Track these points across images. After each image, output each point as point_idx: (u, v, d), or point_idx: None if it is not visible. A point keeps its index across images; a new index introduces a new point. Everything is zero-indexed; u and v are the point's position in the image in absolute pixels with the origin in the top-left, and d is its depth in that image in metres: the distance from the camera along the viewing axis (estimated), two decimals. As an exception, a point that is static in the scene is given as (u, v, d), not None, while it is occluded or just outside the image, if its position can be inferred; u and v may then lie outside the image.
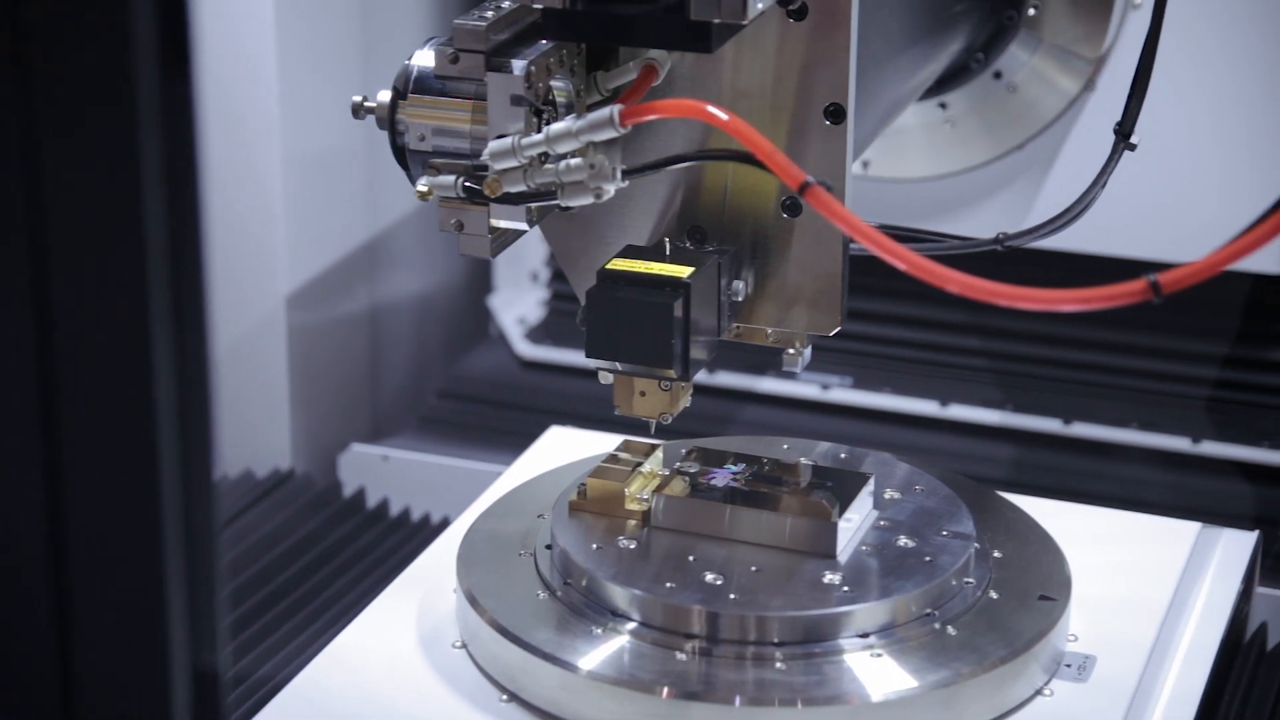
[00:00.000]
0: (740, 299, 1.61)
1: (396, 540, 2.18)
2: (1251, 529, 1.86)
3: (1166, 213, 2.13)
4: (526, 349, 2.49)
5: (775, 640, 1.55)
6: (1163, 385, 2.26)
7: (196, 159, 0.95)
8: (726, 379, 2.38)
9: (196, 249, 0.97)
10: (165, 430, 0.95)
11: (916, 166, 2.16)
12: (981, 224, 2.15)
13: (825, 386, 2.35)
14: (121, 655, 0.99)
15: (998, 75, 2.08)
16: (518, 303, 2.54)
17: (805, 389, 2.35)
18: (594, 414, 2.19)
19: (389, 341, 2.48)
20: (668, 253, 1.57)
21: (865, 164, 2.16)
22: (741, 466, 1.70)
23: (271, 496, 2.24)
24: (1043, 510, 1.78)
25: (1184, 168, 2.12)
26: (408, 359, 2.52)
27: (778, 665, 1.54)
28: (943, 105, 2.11)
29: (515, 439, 2.11)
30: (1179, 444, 2.21)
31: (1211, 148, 2.10)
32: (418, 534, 2.20)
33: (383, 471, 2.32)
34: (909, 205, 2.19)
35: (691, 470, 1.69)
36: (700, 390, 2.38)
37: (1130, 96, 1.72)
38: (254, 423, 2.31)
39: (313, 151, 2.27)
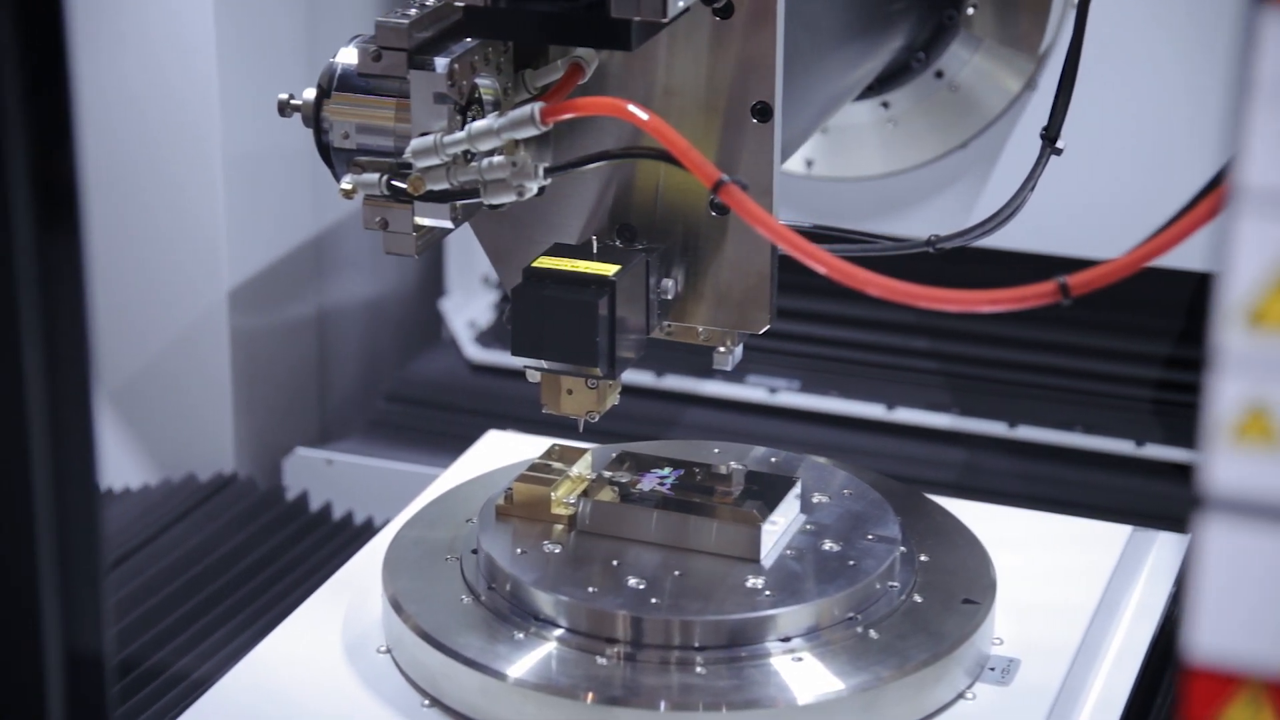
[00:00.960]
0: (670, 297, 1.59)
1: (337, 544, 2.17)
2: (1189, 532, 1.84)
3: (1104, 211, 2.12)
4: (476, 352, 2.47)
5: (698, 645, 1.53)
6: (1108, 387, 2.24)
7: (73, 165, 0.94)
8: (673, 382, 2.36)
9: (73, 245, 0.95)
10: (35, 412, 0.94)
11: (860, 165, 2.15)
12: (925, 222, 2.14)
13: (772, 390, 2.34)
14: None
15: (939, 74, 2.07)
16: (469, 306, 2.52)
17: (752, 392, 2.34)
18: (542, 418, 2.17)
19: (338, 344, 2.46)
20: (595, 251, 1.56)
21: (809, 163, 2.15)
22: (669, 471, 1.68)
23: (213, 500, 2.22)
24: (974, 514, 1.77)
25: (1120, 166, 2.11)
26: (357, 362, 2.50)
27: (699, 670, 1.52)
28: (885, 104, 2.10)
29: (462, 443, 2.09)
30: (1123, 447, 2.20)
31: (1152, 146, 2.09)
32: (358, 538, 2.17)
33: (327, 475, 2.31)
34: (853, 204, 2.18)
35: (620, 476, 1.68)
36: (646, 393, 2.38)
37: (1056, 102, 1.71)
38: (196, 425, 2.29)
39: (255, 147, 2.25)
